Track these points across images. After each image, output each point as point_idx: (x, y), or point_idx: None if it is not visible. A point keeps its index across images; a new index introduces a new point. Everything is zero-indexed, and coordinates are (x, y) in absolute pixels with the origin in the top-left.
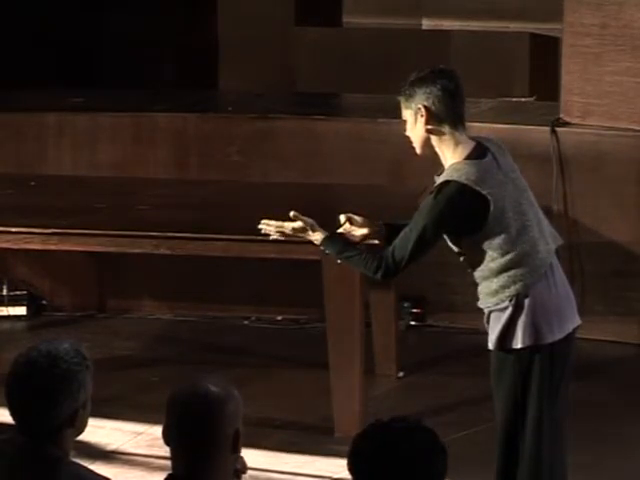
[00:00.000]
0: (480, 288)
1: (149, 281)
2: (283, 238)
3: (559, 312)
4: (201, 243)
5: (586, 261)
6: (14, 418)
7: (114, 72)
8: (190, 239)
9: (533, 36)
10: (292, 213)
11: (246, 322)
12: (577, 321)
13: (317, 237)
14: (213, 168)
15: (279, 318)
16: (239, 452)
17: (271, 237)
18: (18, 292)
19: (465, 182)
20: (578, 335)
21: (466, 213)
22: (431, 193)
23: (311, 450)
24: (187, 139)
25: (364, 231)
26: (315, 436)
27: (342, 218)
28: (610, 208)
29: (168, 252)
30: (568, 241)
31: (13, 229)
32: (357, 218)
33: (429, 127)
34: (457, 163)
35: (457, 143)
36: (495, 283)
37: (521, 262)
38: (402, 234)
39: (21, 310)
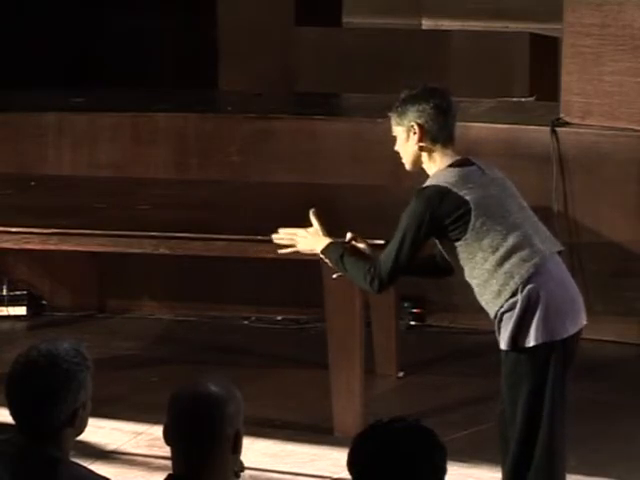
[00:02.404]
0: (485, 299)
1: (149, 281)
2: (291, 250)
3: (572, 308)
4: (201, 243)
5: (586, 261)
6: (14, 418)
7: (114, 72)
8: (190, 239)
9: (533, 36)
10: (312, 210)
11: (246, 322)
12: (584, 319)
13: (319, 243)
14: (213, 168)
15: (279, 318)
16: (240, 453)
17: (280, 251)
18: (18, 292)
19: (444, 184)
20: None
21: (446, 215)
22: (409, 205)
23: (311, 450)
24: (187, 139)
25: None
26: (315, 436)
27: (348, 235)
28: (610, 208)
29: (168, 252)
30: (568, 241)
31: (13, 229)
32: (361, 241)
33: (421, 144)
34: (438, 171)
35: (443, 157)
36: (496, 284)
37: (512, 254)
38: (388, 245)
39: (21, 310)
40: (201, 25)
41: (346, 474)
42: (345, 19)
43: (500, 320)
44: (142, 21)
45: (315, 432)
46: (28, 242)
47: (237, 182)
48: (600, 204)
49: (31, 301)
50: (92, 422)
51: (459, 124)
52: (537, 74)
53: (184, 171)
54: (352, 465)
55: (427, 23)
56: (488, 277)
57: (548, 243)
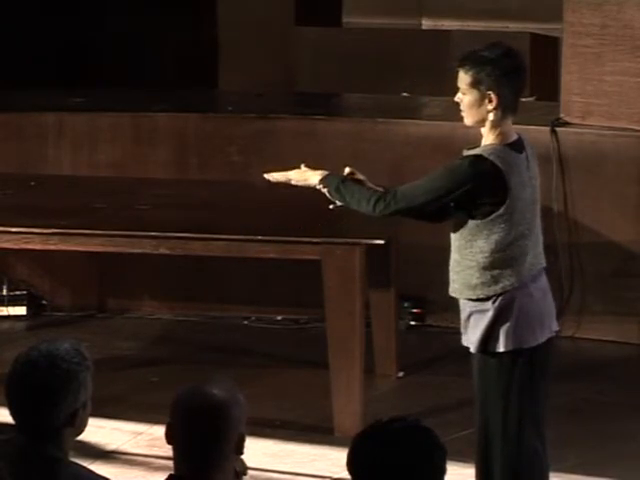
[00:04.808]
0: (457, 276)
1: (149, 281)
2: (283, 180)
3: (541, 318)
4: (201, 243)
5: (586, 261)
6: (14, 418)
7: (114, 72)
8: (190, 239)
9: (533, 36)
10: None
11: (246, 322)
12: (555, 326)
13: (316, 173)
14: (213, 168)
15: (279, 318)
16: (242, 453)
17: (271, 179)
18: (18, 292)
19: (499, 165)
20: (578, 335)
21: (485, 194)
22: (462, 158)
23: (311, 450)
24: (187, 139)
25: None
26: (315, 436)
27: (347, 170)
28: (610, 208)
29: (168, 252)
30: (568, 241)
31: (13, 229)
32: (360, 175)
33: (494, 113)
34: (497, 145)
35: (504, 131)
36: (477, 278)
37: (507, 264)
38: (416, 181)
39: (21, 310)
40: (201, 25)
41: (346, 474)
42: (345, 19)
43: (468, 319)
44: (142, 21)
45: (315, 432)
46: (28, 242)
47: (237, 182)
48: (600, 204)
49: (31, 301)
50: (92, 422)
51: (459, 124)
52: (537, 74)
53: (184, 171)
54: (352, 465)
55: (427, 23)
56: (473, 266)
57: (539, 257)
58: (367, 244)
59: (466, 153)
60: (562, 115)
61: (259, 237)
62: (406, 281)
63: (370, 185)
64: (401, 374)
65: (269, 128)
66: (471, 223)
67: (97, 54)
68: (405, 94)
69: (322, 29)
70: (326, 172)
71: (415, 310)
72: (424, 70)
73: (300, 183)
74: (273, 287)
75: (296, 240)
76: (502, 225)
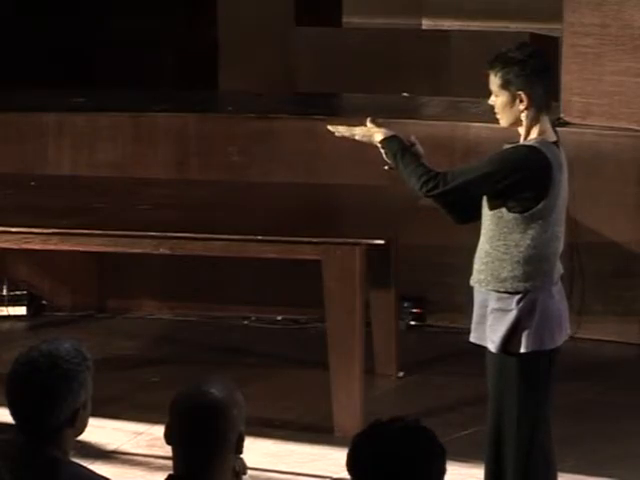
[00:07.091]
0: (485, 267)
1: (149, 281)
2: (347, 134)
3: (560, 320)
4: (201, 243)
5: (586, 261)
6: (14, 418)
7: (114, 72)
8: (190, 239)
9: (533, 36)
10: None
11: (246, 322)
12: (569, 330)
13: (382, 131)
14: (213, 168)
15: (279, 318)
16: (241, 452)
17: (332, 128)
18: (18, 292)
19: (549, 158)
20: (578, 335)
21: (534, 186)
22: (514, 148)
23: (311, 450)
24: (187, 139)
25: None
26: (315, 436)
27: (412, 137)
28: (610, 208)
29: (168, 252)
30: (568, 241)
31: (13, 229)
32: (420, 147)
33: (527, 112)
34: (544, 140)
35: (544, 129)
36: (508, 272)
37: (540, 263)
38: (466, 166)
39: (21, 310)
40: (201, 25)
41: (346, 474)
42: (345, 19)
43: (486, 315)
44: (142, 21)
45: (315, 432)
46: (28, 242)
47: (237, 182)
48: (600, 204)
49: (31, 301)
50: (92, 422)
51: (459, 124)
52: None
53: (184, 171)
54: (351, 465)
55: (427, 23)
56: (505, 259)
57: (560, 263)
58: (367, 244)
59: (509, 147)
60: (562, 115)
61: (259, 237)
62: (406, 281)
63: (424, 162)
64: (401, 374)
65: (269, 128)
66: (508, 215)
67: (97, 54)
68: (405, 94)
69: (322, 29)
70: (391, 132)
71: (415, 310)
72: (424, 70)
73: (365, 139)
74: (273, 287)
75: (296, 240)
76: (540, 221)
